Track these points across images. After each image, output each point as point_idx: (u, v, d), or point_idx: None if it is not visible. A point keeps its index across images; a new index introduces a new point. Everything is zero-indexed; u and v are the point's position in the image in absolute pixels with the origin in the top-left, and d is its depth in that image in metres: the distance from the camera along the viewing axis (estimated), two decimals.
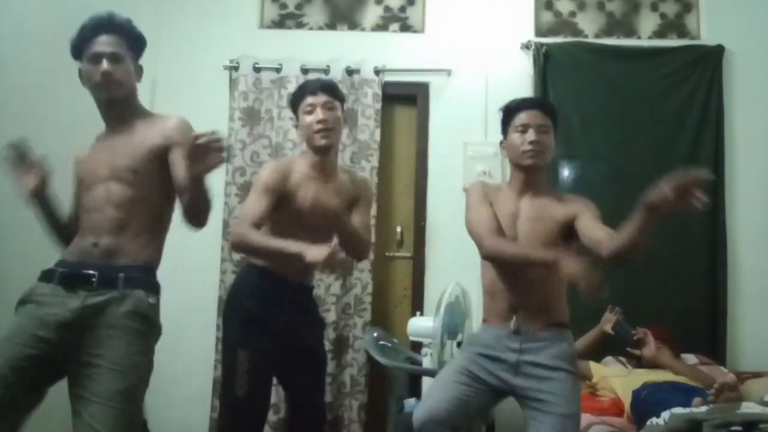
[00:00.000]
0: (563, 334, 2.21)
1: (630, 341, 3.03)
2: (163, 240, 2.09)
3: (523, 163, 2.23)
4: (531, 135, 2.20)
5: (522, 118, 2.24)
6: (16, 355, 1.80)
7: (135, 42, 2.09)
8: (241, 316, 2.45)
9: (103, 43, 1.99)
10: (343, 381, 3.54)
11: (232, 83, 3.79)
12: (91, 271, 1.89)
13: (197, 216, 1.96)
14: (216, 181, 3.60)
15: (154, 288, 2.01)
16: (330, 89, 2.48)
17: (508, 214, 2.24)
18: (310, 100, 2.44)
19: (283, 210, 2.39)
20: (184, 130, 2.03)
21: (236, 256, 3.60)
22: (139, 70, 2.12)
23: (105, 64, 1.97)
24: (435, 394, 2.19)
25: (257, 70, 3.76)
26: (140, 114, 2.10)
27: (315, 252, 2.17)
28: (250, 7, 3.96)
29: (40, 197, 2.07)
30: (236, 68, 3.77)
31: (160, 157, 2.00)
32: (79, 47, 2.02)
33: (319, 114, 2.41)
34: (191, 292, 3.65)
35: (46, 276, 1.95)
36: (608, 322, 3.09)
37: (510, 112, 2.28)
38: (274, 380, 2.53)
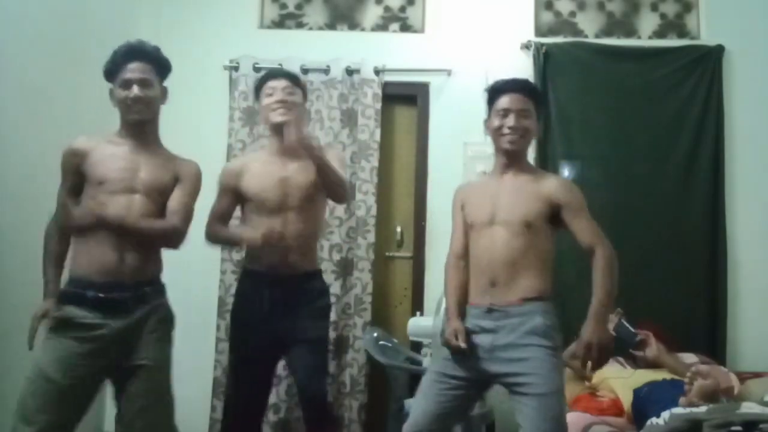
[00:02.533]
0: (538, 308, 2.19)
1: (632, 343, 3.02)
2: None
3: (503, 147, 2.30)
4: (510, 120, 2.26)
5: (504, 102, 2.29)
6: (69, 372, 2.03)
7: (162, 67, 2.28)
8: (231, 320, 2.68)
9: (134, 70, 2.18)
10: (343, 381, 3.54)
11: (232, 83, 3.79)
12: (125, 294, 2.10)
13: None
14: (216, 182, 3.61)
15: (166, 293, 2.29)
16: (291, 77, 2.66)
17: (489, 194, 2.30)
18: (272, 83, 2.60)
19: (247, 201, 2.59)
20: (194, 175, 2.30)
21: (236, 256, 3.60)
22: (165, 92, 2.30)
23: (136, 89, 2.16)
24: (417, 408, 2.23)
25: (257, 70, 3.75)
26: (159, 140, 2.31)
27: (248, 234, 2.47)
28: (250, 7, 3.95)
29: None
30: (236, 68, 3.77)
31: (172, 188, 2.24)
32: (112, 71, 2.20)
33: (279, 95, 2.56)
34: (191, 292, 3.65)
35: (75, 300, 2.08)
36: (609, 323, 3.08)
37: (493, 93, 2.35)
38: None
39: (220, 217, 2.60)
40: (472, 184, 2.51)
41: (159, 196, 2.19)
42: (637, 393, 2.68)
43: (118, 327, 2.08)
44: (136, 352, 2.10)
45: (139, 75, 2.17)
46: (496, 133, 2.30)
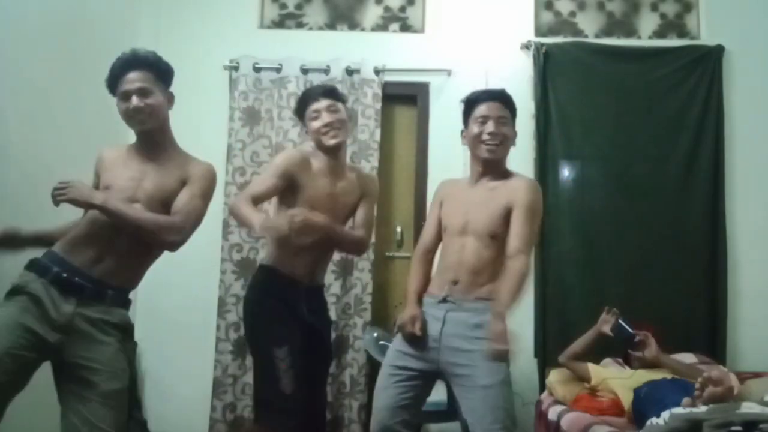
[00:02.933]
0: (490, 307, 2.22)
1: (630, 343, 3.02)
2: (147, 268, 2.21)
3: (482, 156, 2.30)
4: (490, 126, 2.27)
5: (482, 110, 2.30)
6: (12, 344, 1.91)
7: (162, 73, 2.21)
8: (270, 313, 2.51)
9: (131, 80, 2.13)
10: (343, 381, 3.54)
11: (232, 83, 3.79)
12: (86, 283, 2.02)
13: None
14: (217, 182, 3.62)
15: (128, 308, 2.17)
16: (331, 93, 2.64)
17: (461, 202, 2.34)
18: (314, 106, 2.58)
19: (293, 199, 2.51)
20: (203, 175, 2.21)
21: (236, 256, 3.60)
22: (171, 98, 2.25)
23: (135, 101, 2.11)
24: (378, 404, 2.28)
25: (257, 70, 3.76)
26: (174, 146, 2.25)
27: (268, 224, 2.32)
28: (250, 7, 3.95)
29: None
30: (236, 68, 3.77)
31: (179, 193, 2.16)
32: (112, 85, 2.17)
33: (325, 117, 2.56)
34: (191, 292, 3.65)
35: (39, 270, 2.03)
36: (606, 323, 3.08)
37: (470, 103, 2.36)
38: None
39: (257, 198, 2.48)
40: (453, 183, 2.53)
41: (162, 207, 2.12)
42: (637, 393, 2.68)
43: (66, 311, 1.97)
44: (88, 351, 1.98)
45: (137, 85, 2.12)
46: (475, 141, 2.31)
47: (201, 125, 3.68)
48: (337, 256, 3.59)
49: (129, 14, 3.63)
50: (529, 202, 2.27)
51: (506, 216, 2.26)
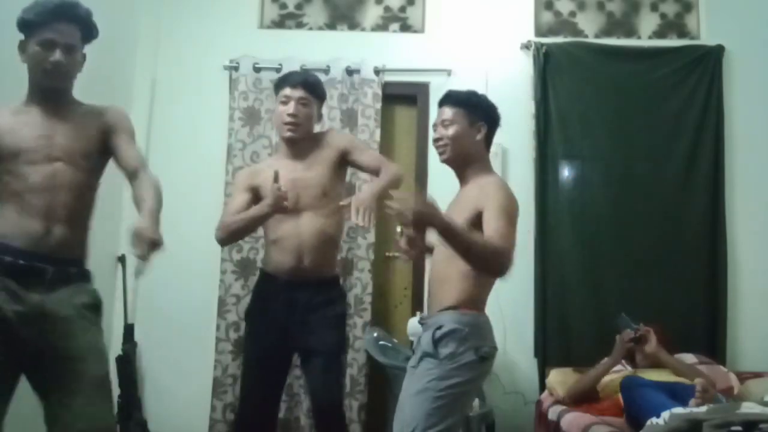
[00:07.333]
0: (441, 317, 2.13)
1: (631, 327, 3.00)
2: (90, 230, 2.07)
3: (441, 160, 2.30)
4: (435, 134, 2.30)
5: (437, 114, 2.32)
6: None
7: (89, 33, 2.06)
8: (246, 322, 2.65)
9: (62, 32, 1.95)
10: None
11: (232, 83, 3.78)
12: (46, 266, 1.86)
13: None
14: (216, 182, 3.62)
15: (92, 281, 2.03)
16: (308, 86, 2.59)
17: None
18: (287, 92, 2.57)
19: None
20: (124, 117, 2.11)
21: (236, 256, 3.60)
22: (84, 58, 2.08)
23: (58, 55, 1.93)
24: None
25: (257, 70, 3.76)
26: (75, 102, 2.09)
27: (269, 201, 2.37)
28: (250, 7, 3.95)
29: None
30: (236, 68, 3.77)
31: (102, 143, 2.03)
32: (32, 24, 1.95)
33: (292, 107, 2.53)
34: (191, 292, 3.65)
35: None
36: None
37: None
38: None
39: (235, 213, 2.56)
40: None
41: (84, 160, 1.97)
42: (631, 393, 2.63)
43: (34, 302, 1.82)
44: (66, 339, 1.84)
45: (67, 40, 1.94)
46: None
47: (201, 125, 3.69)
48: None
49: (129, 14, 3.63)
50: (495, 203, 2.15)
51: (472, 220, 2.14)
